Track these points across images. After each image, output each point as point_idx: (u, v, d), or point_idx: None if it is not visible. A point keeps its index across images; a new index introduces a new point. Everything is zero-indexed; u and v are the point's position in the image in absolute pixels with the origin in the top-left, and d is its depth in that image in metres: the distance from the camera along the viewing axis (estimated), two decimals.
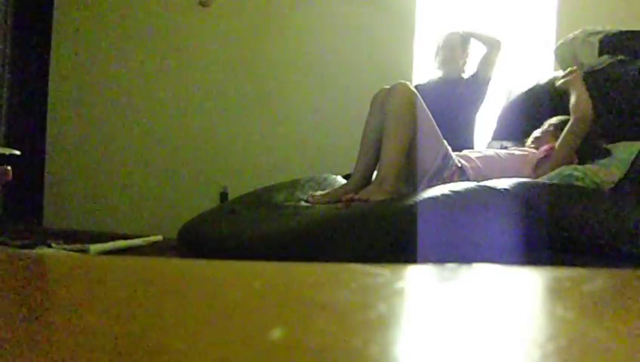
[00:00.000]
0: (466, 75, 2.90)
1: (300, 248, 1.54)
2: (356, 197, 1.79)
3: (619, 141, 2.19)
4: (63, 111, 3.59)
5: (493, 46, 2.83)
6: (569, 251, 1.65)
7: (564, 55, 2.56)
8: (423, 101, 1.99)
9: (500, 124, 2.75)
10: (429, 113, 2.00)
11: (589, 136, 2.18)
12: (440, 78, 2.92)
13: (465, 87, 2.84)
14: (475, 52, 2.92)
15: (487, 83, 2.84)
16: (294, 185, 2.26)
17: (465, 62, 2.91)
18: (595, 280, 0.48)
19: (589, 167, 2.02)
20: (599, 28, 2.50)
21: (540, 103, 2.54)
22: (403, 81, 2.05)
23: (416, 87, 2.90)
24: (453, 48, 2.88)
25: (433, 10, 3.17)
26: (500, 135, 2.70)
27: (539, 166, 2.08)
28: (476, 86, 2.83)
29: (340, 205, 1.85)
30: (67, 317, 0.33)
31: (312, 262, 0.53)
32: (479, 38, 2.88)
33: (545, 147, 2.12)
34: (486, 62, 2.83)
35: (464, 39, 2.90)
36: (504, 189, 1.67)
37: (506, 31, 3.03)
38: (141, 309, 0.35)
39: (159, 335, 0.29)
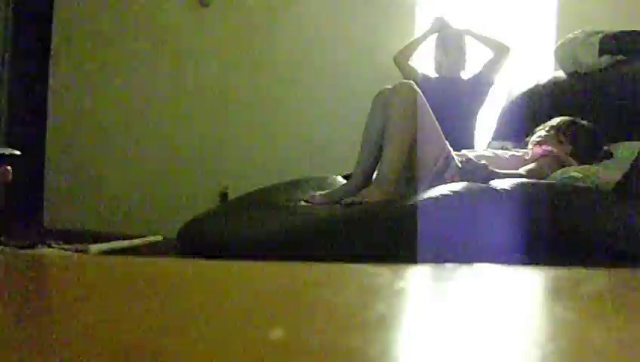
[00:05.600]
0: (467, 74, 2.90)
1: (300, 248, 1.54)
2: (356, 200, 1.78)
3: (619, 141, 2.19)
4: (63, 112, 3.58)
5: (502, 52, 2.82)
6: (569, 251, 1.65)
7: (564, 55, 2.56)
8: (426, 101, 1.98)
9: (500, 124, 2.75)
10: (431, 114, 1.99)
11: (589, 137, 2.18)
12: (443, 76, 2.92)
13: (467, 87, 2.84)
14: (477, 53, 2.92)
15: (490, 85, 2.84)
16: (294, 185, 2.26)
17: (466, 60, 2.91)
18: (595, 280, 0.48)
19: (589, 167, 2.02)
20: (599, 28, 2.50)
21: (540, 103, 2.54)
22: (406, 81, 2.04)
23: (421, 77, 2.91)
24: (461, 48, 2.89)
25: (433, 10, 3.17)
26: (501, 135, 2.70)
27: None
28: (479, 87, 2.83)
29: (339, 206, 1.85)
30: (67, 317, 0.33)
31: (312, 262, 0.53)
32: (487, 42, 2.87)
33: (539, 151, 2.12)
34: (492, 67, 2.82)
35: (465, 38, 2.91)
36: (504, 190, 1.67)
37: (506, 31, 3.03)
38: (141, 309, 0.35)
39: (159, 335, 0.29)
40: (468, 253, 1.52)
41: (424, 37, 3.01)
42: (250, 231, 1.78)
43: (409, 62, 2.98)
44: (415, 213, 1.52)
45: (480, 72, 2.84)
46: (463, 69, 2.91)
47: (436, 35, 2.97)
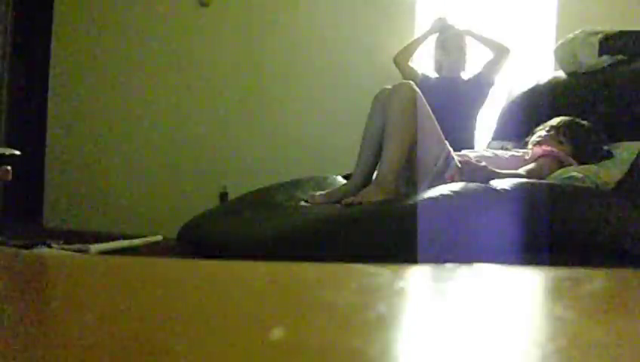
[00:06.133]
0: (467, 74, 2.90)
1: (300, 248, 1.54)
2: (356, 200, 1.78)
3: (619, 141, 2.19)
4: (63, 111, 3.58)
5: (502, 53, 2.82)
6: (569, 251, 1.65)
7: (564, 55, 2.56)
8: (426, 101, 1.98)
9: (500, 124, 2.75)
10: (431, 114, 1.99)
11: (589, 137, 2.18)
12: (443, 76, 2.91)
13: (467, 87, 2.83)
14: (478, 54, 2.92)
15: (490, 86, 2.84)
16: (294, 185, 2.26)
17: (466, 60, 2.92)
18: (595, 280, 0.48)
19: (589, 167, 2.02)
20: (599, 28, 2.50)
21: (540, 103, 2.54)
22: (406, 81, 2.04)
23: (421, 77, 2.90)
24: (462, 49, 2.89)
25: (433, 10, 3.17)
26: (501, 135, 2.70)
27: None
28: (479, 87, 2.83)
29: (339, 206, 1.85)
30: (67, 317, 0.33)
31: (311, 262, 0.53)
32: (487, 43, 2.87)
33: (539, 151, 2.12)
34: (492, 67, 2.83)
35: (465, 39, 2.91)
36: (504, 190, 1.67)
37: (505, 31, 3.03)
38: (141, 309, 0.35)
39: (159, 336, 0.29)
40: (468, 253, 1.51)
41: (424, 37, 3.01)
42: (250, 231, 1.78)
43: (409, 63, 2.98)
44: (415, 213, 1.52)
45: (480, 73, 2.84)
46: (463, 69, 2.91)
47: (436, 35, 2.97)
